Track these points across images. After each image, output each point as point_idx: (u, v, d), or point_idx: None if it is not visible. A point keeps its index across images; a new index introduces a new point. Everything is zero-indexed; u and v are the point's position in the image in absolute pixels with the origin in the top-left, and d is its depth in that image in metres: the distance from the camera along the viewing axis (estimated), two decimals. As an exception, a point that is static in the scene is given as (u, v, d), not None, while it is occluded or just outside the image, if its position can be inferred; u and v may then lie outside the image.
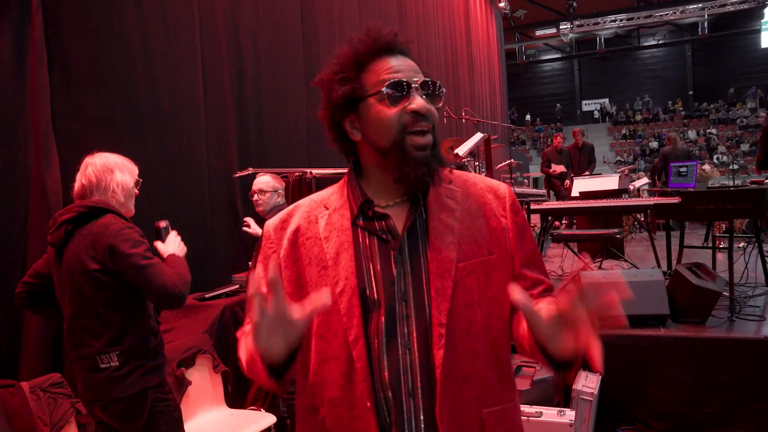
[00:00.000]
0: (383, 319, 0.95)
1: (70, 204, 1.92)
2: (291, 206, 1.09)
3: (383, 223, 0.99)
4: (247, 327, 0.99)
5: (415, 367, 0.94)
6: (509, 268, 1.03)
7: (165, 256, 1.96)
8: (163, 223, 2.07)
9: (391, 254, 0.98)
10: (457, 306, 0.95)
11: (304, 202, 1.08)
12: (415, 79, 0.97)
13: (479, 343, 0.97)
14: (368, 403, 0.93)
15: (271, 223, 1.08)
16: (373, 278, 0.97)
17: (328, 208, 1.04)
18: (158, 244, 1.99)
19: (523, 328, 0.98)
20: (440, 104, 1.01)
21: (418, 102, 0.95)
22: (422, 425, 0.94)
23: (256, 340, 0.84)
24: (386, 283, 0.96)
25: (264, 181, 3.13)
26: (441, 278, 0.95)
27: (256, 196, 3.10)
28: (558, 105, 25.80)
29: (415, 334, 0.95)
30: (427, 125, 0.96)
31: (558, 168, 8.12)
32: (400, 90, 0.96)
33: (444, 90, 1.02)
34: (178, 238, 2.03)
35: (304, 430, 1.03)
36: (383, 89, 0.95)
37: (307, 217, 1.04)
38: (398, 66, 0.97)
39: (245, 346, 0.94)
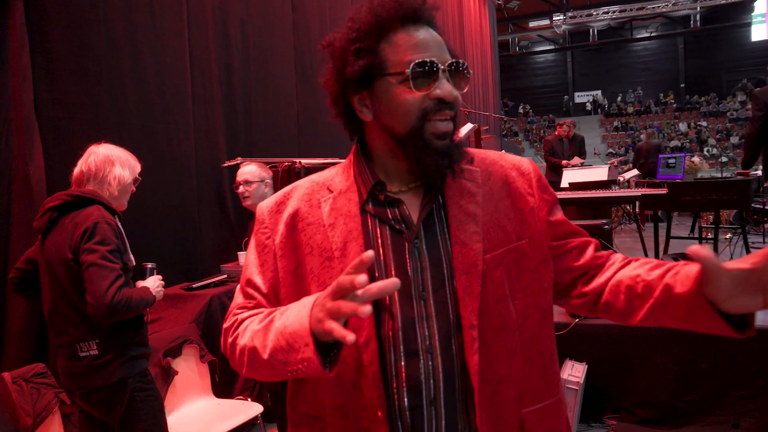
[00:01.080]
0: (399, 318, 0.84)
1: (54, 192, 1.94)
2: (288, 187, 0.98)
3: (396, 210, 0.88)
4: (247, 320, 0.88)
5: (438, 373, 0.84)
6: (542, 251, 0.92)
7: (139, 286, 1.94)
8: (149, 264, 2.07)
9: (406, 246, 0.87)
10: (487, 303, 0.85)
11: (304, 183, 0.97)
12: (443, 59, 0.85)
13: (514, 339, 0.87)
14: (379, 413, 0.83)
15: (266, 205, 0.96)
16: (385, 273, 0.86)
17: (332, 191, 0.92)
18: (139, 283, 1.97)
19: (613, 283, 0.89)
20: (465, 89, 0.89)
21: (444, 88, 0.84)
22: None
23: (330, 318, 0.70)
24: (401, 280, 0.82)
25: (249, 170, 2.81)
26: (467, 274, 0.84)
27: (241, 188, 2.78)
28: (566, 96, 25.83)
29: (437, 336, 0.84)
30: (451, 113, 0.86)
31: (574, 161, 7.92)
32: (427, 72, 0.83)
33: (471, 72, 0.90)
34: (160, 282, 2.00)
35: None
36: (408, 70, 0.83)
37: (308, 200, 0.93)
38: (425, 42, 0.85)
39: (275, 336, 0.79)
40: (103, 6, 2.92)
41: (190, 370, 2.88)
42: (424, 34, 0.86)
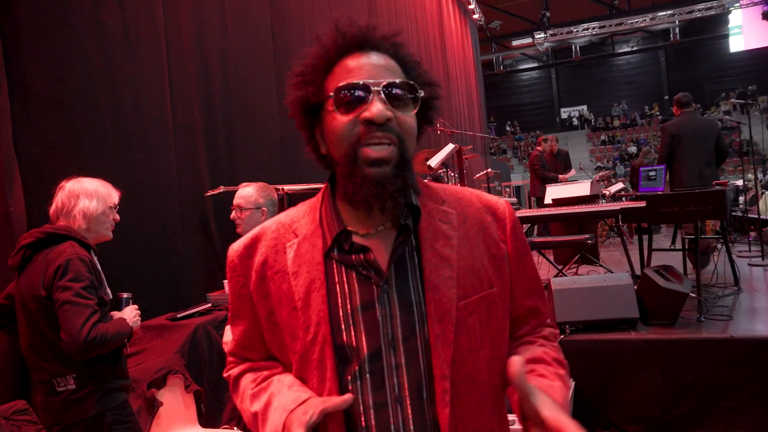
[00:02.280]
0: (368, 369, 0.81)
1: (34, 228, 1.95)
2: (257, 229, 0.94)
3: (362, 256, 0.83)
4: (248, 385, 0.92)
5: (409, 424, 0.81)
6: (507, 300, 0.90)
7: (115, 318, 1.94)
8: (125, 294, 2.08)
9: (375, 291, 0.83)
10: (460, 352, 0.81)
11: (271, 226, 0.93)
12: (377, 80, 0.81)
13: (484, 391, 0.84)
14: None
15: (235, 250, 0.93)
16: (351, 321, 0.82)
17: (297, 235, 0.88)
18: (115, 313, 1.98)
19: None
20: (413, 111, 0.84)
21: (373, 109, 0.79)
22: None
23: None
24: (369, 327, 0.82)
25: (244, 194, 2.48)
26: (441, 322, 0.81)
27: (233, 213, 2.49)
28: (563, 110, 26.25)
29: (407, 386, 0.81)
30: (384, 136, 0.80)
31: (568, 174, 8.12)
32: (355, 94, 0.80)
33: (421, 93, 0.85)
34: (137, 312, 2.02)
35: None
36: (332, 93, 0.82)
37: (274, 246, 0.89)
38: (360, 65, 0.83)
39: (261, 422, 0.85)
40: (78, 41, 2.96)
41: (175, 400, 2.85)
42: (366, 58, 0.84)
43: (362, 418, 0.81)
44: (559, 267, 4.83)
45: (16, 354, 2.44)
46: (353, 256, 0.84)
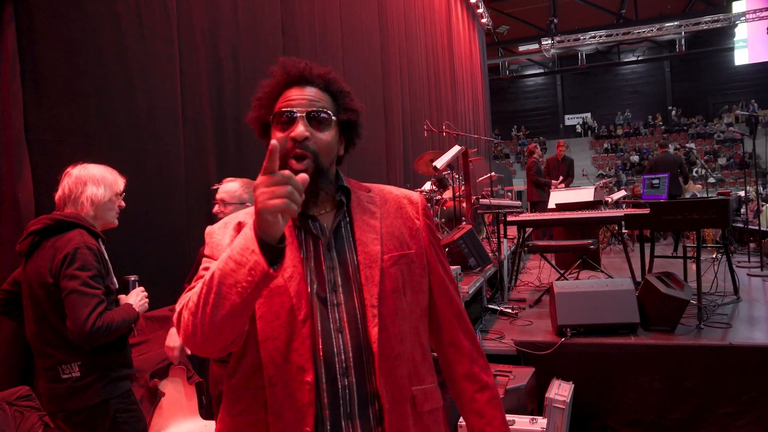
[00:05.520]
0: (317, 305, 1.07)
1: (42, 214, 1.95)
2: (230, 216, 1.20)
3: (316, 224, 1.12)
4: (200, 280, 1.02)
5: (348, 348, 1.06)
6: (424, 261, 1.18)
7: (122, 303, 1.95)
8: (132, 277, 2.07)
9: (321, 250, 1.10)
10: (384, 291, 1.09)
11: (243, 210, 1.21)
12: (301, 109, 1.08)
13: (405, 325, 1.11)
14: (309, 378, 1.02)
15: (212, 226, 1.18)
16: (309, 269, 1.09)
17: None
18: (122, 297, 1.98)
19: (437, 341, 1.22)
20: (331, 131, 1.10)
21: (296, 130, 1.05)
22: (356, 399, 1.05)
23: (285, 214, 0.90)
24: (318, 276, 1.08)
25: (229, 189, 2.43)
26: (369, 267, 1.09)
27: (216, 207, 2.42)
28: (567, 116, 26.32)
29: (345, 319, 1.07)
30: (301, 152, 1.05)
31: (559, 181, 8.35)
32: (286, 118, 1.08)
33: (333, 119, 1.11)
34: (143, 294, 2.02)
35: (242, 410, 1.08)
36: (271, 117, 1.10)
37: (251, 217, 1.09)
38: (295, 96, 1.09)
39: (223, 261, 0.94)
40: (93, 31, 2.98)
41: (176, 391, 2.87)
42: (301, 91, 1.10)
43: (319, 340, 1.05)
44: (561, 271, 4.85)
45: (19, 340, 2.45)
46: (310, 224, 1.11)
